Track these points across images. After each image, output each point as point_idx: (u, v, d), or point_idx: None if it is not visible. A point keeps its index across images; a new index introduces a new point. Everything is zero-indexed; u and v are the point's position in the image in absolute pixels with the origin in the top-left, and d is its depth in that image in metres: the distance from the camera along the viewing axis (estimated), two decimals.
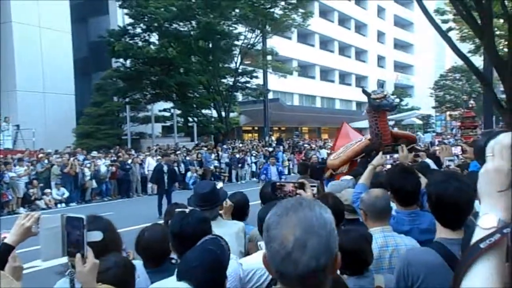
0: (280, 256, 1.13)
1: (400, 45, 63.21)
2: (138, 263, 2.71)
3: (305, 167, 9.72)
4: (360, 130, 14.71)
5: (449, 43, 13.54)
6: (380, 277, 2.63)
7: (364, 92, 6.83)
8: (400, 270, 2.29)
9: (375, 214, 3.01)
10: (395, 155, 4.98)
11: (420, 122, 48.87)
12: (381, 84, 7.27)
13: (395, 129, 11.93)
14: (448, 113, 50.51)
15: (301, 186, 2.73)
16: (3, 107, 23.32)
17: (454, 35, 22.34)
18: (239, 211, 4.04)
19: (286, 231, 1.14)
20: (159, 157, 21.50)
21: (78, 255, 1.81)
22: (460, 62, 29.05)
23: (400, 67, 63.56)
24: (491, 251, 0.96)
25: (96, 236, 1.94)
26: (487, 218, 1.00)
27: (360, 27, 56.30)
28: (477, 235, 0.99)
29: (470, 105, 27.27)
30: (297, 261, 1.11)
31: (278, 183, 2.93)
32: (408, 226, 3.19)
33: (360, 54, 56.90)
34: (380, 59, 59.45)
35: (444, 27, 19.18)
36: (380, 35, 59.48)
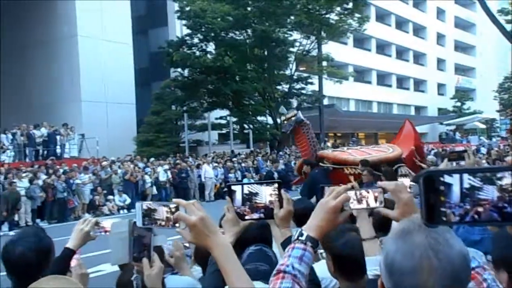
0: None
1: (461, 47, 60.94)
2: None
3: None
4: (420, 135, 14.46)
5: None
6: None
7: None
8: None
9: None
10: (462, 162, 4.89)
11: (483, 126, 46.84)
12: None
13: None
14: None
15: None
16: (69, 117, 24.27)
17: None
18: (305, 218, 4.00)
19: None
20: (215, 164, 21.89)
21: (145, 260, 1.87)
22: None
23: (461, 69, 61.21)
24: None
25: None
26: None
27: (418, 30, 54.77)
28: None
29: None
30: None
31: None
32: (478, 235, 2.87)
33: (418, 58, 55.31)
34: (440, 62, 57.52)
35: (508, 27, 18.36)
36: (440, 38, 57.56)
